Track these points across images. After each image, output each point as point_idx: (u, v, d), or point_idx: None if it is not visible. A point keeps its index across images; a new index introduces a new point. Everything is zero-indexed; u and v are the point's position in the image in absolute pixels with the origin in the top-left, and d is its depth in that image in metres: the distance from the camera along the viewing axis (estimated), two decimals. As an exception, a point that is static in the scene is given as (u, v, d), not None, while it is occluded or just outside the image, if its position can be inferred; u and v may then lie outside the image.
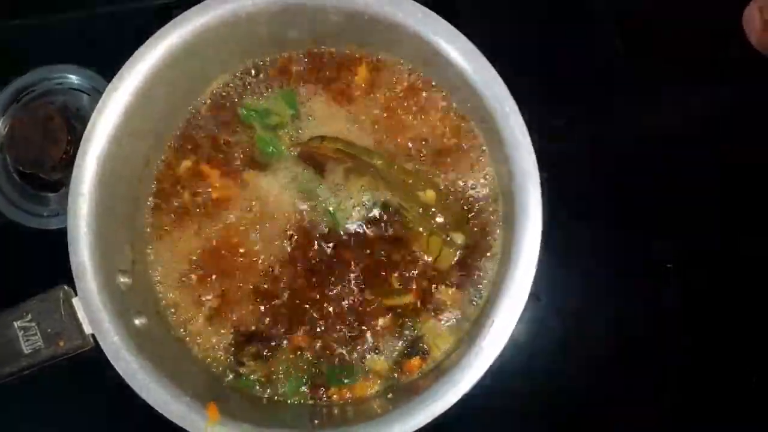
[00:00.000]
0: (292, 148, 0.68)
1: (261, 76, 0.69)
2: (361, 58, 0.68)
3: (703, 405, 0.74)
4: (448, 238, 0.65)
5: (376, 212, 0.67)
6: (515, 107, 0.59)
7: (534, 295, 0.61)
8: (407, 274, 0.66)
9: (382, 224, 0.67)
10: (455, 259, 0.66)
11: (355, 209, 0.67)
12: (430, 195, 0.65)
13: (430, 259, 0.66)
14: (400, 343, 0.66)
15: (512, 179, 0.59)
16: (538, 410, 0.75)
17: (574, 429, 0.77)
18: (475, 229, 0.66)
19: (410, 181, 0.66)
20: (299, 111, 0.69)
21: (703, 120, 0.77)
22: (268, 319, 0.67)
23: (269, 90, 0.69)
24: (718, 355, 0.74)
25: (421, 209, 0.66)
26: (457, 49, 0.60)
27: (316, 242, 0.67)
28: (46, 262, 0.63)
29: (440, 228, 0.65)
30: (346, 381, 0.65)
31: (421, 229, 0.66)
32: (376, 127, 0.68)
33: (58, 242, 0.61)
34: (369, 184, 0.67)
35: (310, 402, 0.65)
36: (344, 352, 0.66)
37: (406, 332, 0.66)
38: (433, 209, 0.66)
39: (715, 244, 0.76)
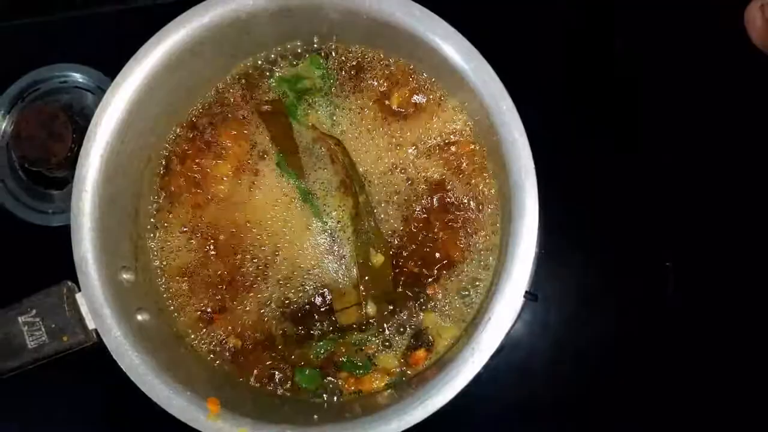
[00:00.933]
0: (311, 130, 0.69)
1: (263, 74, 0.70)
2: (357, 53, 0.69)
3: (703, 404, 0.74)
4: (364, 303, 0.66)
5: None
6: (512, 105, 0.59)
7: (532, 294, 0.61)
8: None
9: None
10: (352, 322, 0.66)
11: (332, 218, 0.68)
12: (378, 259, 0.66)
13: (335, 306, 0.67)
14: (405, 335, 0.66)
15: (509, 177, 0.59)
16: (536, 409, 0.76)
17: (573, 428, 0.77)
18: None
19: (372, 236, 0.66)
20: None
21: (703, 119, 0.77)
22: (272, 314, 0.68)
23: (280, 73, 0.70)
24: (717, 353, 0.74)
25: (361, 261, 0.66)
26: (455, 48, 0.60)
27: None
28: (51, 259, 0.64)
29: (365, 290, 0.66)
30: (359, 372, 0.66)
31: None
32: (372, 123, 0.69)
33: (62, 239, 0.62)
34: (348, 210, 0.67)
35: (318, 384, 0.66)
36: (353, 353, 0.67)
37: (409, 323, 0.66)
38: (369, 270, 0.66)
39: (715, 243, 0.76)
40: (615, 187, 0.76)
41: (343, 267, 0.67)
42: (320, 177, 0.69)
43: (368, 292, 0.66)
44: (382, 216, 0.67)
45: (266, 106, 0.69)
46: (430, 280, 0.66)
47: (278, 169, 0.69)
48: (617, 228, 0.76)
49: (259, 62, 0.70)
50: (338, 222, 0.68)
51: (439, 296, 0.66)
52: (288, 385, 0.66)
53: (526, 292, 0.59)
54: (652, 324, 0.75)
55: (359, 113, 0.69)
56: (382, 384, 0.65)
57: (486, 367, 0.58)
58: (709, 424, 0.74)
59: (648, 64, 0.77)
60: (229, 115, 0.70)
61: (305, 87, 0.69)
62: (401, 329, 0.66)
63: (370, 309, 0.66)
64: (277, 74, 0.70)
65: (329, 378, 0.66)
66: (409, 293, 0.67)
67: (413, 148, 0.68)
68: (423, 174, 0.67)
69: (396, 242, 0.67)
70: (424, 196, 0.67)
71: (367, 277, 0.66)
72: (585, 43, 0.79)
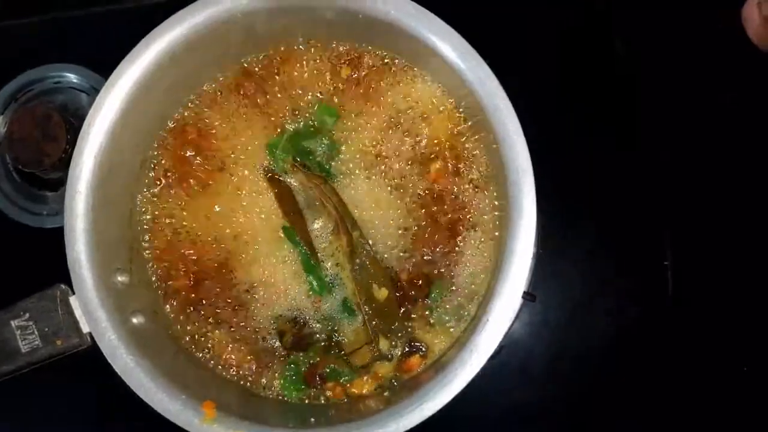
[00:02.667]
0: (293, 171, 0.68)
1: (257, 74, 0.69)
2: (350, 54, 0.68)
3: (703, 403, 0.74)
4: (375, 340, 0.64)
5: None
6: (509, 104, 0.58)
7: (530, 294, 0.61)
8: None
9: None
10: (367, 361, 0.65)
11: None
12: (383, 293, 0.64)
13: (345, 350, 0.65)
14: (399, 345, 0.66)
15: (507, 177, 0.59)
16: (536, 410, 0.76)
17: (573, 428, 0.77)
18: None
19: (372, 271, 0.65)
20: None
21: (701, 117, 0.76)
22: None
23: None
24: (717, 351, 0.74)
25: (365, 299, 0.65)
26: (452, 47, 0.60)
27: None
28: (45, 261, 0.63)
29: (375, 327, 0.64)
30: (345, 379, 0.65)
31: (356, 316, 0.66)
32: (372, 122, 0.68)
33: (56, 241, 0.62)
34: (343, 249, 0.66)
35: (305, 395, 0.65)
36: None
37: (404, 332, 0.66)
38: (374, 305, 0.65)
39: (714, 241, 0.75)
40: (613, 185, 0.76)
41: (347, 307, 0.66)
42: (316, 227, 0.67)
43: (378, 328, 0.64)
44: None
45: (271, 174, 0.68)
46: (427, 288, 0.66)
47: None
48: (616, 227, 0.76)
49: (254, 63, 0.69)
50: (336, 264, 0.67)
51: (437, 303, 0.66)
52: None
53: (525, 292, 0.59)
54: (652, 323, 0.75)
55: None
56: (372, 387, 0.65)
57: (485, 368, 0.58)
58: (709, 423, 0.74)
59: (646, 61, 0.77)
60: (223, 115, 0.69)
61: (307, 149, 0.68)
62: (392, 342, 0.66)
63: (383, 345, 0.64)
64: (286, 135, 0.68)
65: (316, 389, 0.65)
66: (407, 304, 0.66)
67: (406, 146, 0.67)
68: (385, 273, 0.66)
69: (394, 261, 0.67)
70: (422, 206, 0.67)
71: (373, 314, 0.65)
72: (583, 41, 0.79)
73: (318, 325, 0.66)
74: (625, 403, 0.75)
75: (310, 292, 0.66)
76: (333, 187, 0.66)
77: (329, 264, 0.67)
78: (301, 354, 0.66)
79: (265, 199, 0.68)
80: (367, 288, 0.65)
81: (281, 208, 0.67)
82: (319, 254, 0.67)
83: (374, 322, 0.64)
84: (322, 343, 0.66)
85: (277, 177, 0.68)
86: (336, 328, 0.66)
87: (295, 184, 0.68)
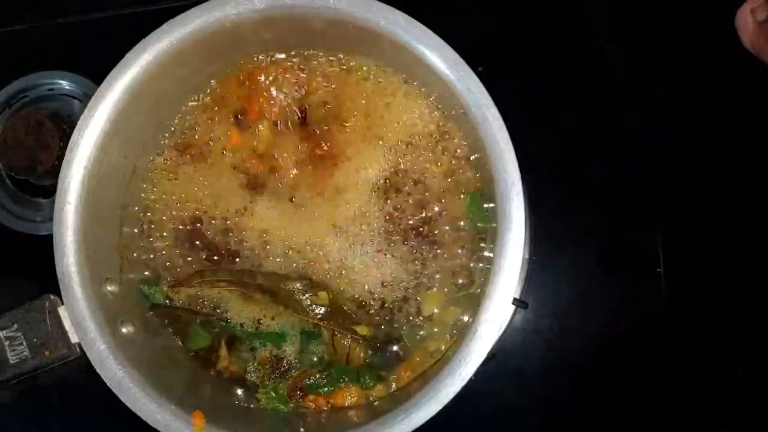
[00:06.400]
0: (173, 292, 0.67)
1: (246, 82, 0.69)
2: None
3: (697, 408, 0.74)
4: (353, 335, 0.64)
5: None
6: (498, 115, 0.58)
7: (522, 302, 0.60)
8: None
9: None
10: (364, 353, 0.64)
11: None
12: (322, 296, 0.64)
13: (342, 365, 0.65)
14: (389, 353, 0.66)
15: (496, 188, 0.58)
16: (528, 417, 0.76)
17: (567, 433, 0.77)
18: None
19: (297, 297, 0.64)
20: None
21: (696, 122, 0.76)
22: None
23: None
24: (710, 356, 0.74)
25: (314, 317, 0.64)
26: (441, 58, 0.59)
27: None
28: (38, 267, 0.63)
29: (342, 327, 0.64)
30: (326, 390, 0.65)
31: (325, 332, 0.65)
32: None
33: (50, 247, 0.61)
34: (267, 308, 0.66)
35: (290, 407, 0.66)
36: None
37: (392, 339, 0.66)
38: (328, 309, 0.64)
39: (708, 248, 0.75)
40: (607, 190, 0.76)
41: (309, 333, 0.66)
42: (243, 318, 0.67)
43: (345, 326, 0.64)
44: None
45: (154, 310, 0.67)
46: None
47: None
48: (609, 232, 0.76)
49: (240, 75, 0.69)
50: (272, 318, 0.66)
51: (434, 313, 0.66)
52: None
53: (516, 299, 0.59)
54: (645, 329, 0.75)
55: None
56: (355, 399, 0.65)
57: (476, 374, 0.57)
58: (704, 429, 0.74)
59: (641, 66, 0.77)
60: (215, 125, 0.69)
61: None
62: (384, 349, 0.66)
63: (363, 331, 0.64)
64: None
65: (298, 401, 0.65)
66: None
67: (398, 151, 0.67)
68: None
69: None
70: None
71: (331, 319, 0.64)
72: (575, 45, 0.78)
73: (298, 363, 0.66)
74: (619, 410, 0.75)
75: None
76: (213, 270, 0.66)
77: (272, 322, 0.67)
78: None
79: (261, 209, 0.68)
80: (303, 309, 0.64)
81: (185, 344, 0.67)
82: (259, 321, 0.67)
83: (339, 323, 0.64)
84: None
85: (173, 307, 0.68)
86: (316, 357, 0.66)
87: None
